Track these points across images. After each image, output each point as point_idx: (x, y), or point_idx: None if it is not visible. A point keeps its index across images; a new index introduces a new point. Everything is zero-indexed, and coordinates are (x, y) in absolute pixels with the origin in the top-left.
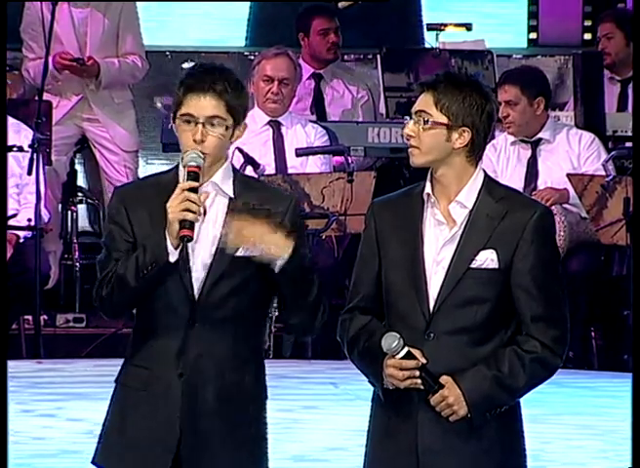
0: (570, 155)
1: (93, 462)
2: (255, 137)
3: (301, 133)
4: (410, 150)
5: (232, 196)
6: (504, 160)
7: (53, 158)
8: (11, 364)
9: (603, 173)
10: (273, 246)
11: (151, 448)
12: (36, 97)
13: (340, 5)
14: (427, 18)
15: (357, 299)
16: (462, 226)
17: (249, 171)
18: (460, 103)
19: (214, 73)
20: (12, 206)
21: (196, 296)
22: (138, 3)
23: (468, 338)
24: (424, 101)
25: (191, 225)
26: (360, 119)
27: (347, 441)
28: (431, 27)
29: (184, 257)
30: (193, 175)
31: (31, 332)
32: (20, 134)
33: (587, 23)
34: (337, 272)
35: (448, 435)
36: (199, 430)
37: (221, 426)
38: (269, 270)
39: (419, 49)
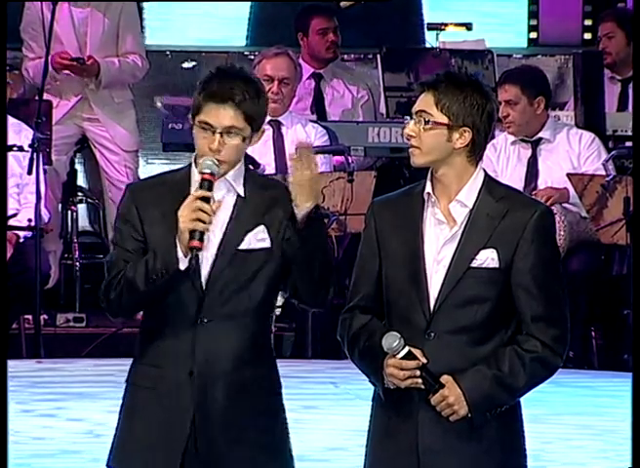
0: (570, 155)
1: (107, 465)
2: None
3: (302, 132)
4: (410, 150)
5: (242, 195)
6: (505, 160)
7: (53, 158)
8: (11, 363)
9: (603, 172)
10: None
11: (162, 448)
12: (36, 97)
13: (342, 5)
14: (428, 17)
15: (357, 299)
16: (463, 226)
17: None
18: (460, 103)
19: (234, 81)
20: (12, 205)
21: (203, 293)
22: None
23: (469, 338)
24: (425, 101)
25: (201, 236)
26: (360, 119)
27: (347, 441)
28: (432, 27)
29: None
30: (207, 184)
31: (31, 332)
32: (20, 133)
33: (587, 23)
34: (337, 272)
35: (448, 435)
36: (211, 427)
37: (234, 422)
38: (286, 241)
39: (419, 48)
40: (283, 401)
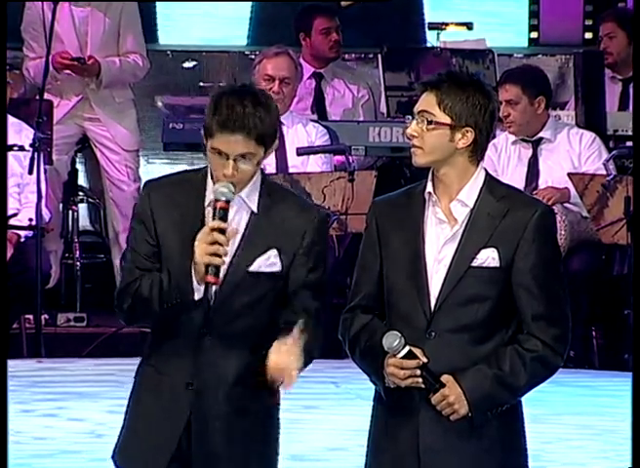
0: (571, 154)
1: (112, 457)
2: None
3: (302, 132)
4: (413, 150)
5: (256, 211)
6: (505, 159)
7: (54, 157)
8: (11, 363)
9: (604, 172)
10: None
11: (160, 450)
12: (37, 97)
13: (343, 4)
14: (428, 17)
15: (358, 298)
16: (464, 225)
17: None
18: (463, 103)
19: (243, 104)
20: (13, 205)
21: (210, 309)
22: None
23: (469, 337)
24: (427, 101)
25: (217, 271)
26: (361, 118)
27: (348, 441)
28: (432, 26)
29: None
30: (222, 213)
31: (32, 332)
32: (20, 133)
33: (588, 23)
34: (338, 271)
35: (449, 434)
36: (207, 444)
37: (229, 440)
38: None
39: (420, 48)
40: (279, 420)
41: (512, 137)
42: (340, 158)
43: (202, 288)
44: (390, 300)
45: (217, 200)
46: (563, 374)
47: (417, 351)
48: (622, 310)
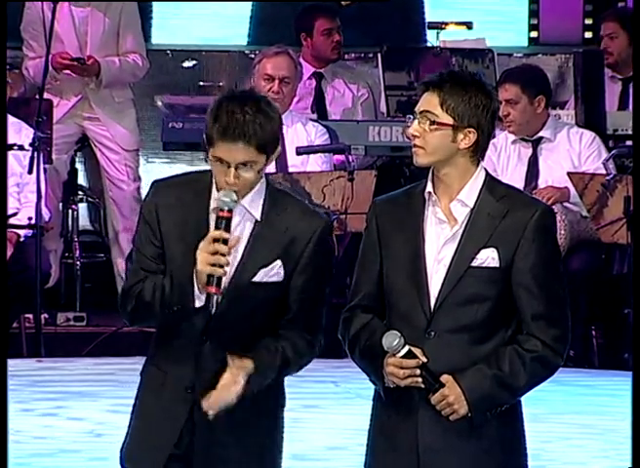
0: (570, 154)
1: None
2: None
3: (302, 131)
4: (414, 150)
5: (259, 219)
6: (505, 159)
7: (53, 157)
8: (11, 362)
9: (604, 171)
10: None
11: (154, 450)
12: (37, 96)
13: (343, 2)
14: (429, 16)
15: (358, 298)
16: (463, 225)
17: None
18: (465, 104)
19: (243, 111)
20: (12, 204)
21: (211, 315)
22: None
23: (469, 337)
24: (429, 101)
25: (219, 282)
26: (360, 118)
27: (348, 440)
28: (432, 26)
29: None
30: (225, 223)
31: (32, 331)
32: (20, 132)
33: (588, 22)
34: (337, 271)
35: (448, 434)
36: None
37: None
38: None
39: (419, 47)
40: (283, 420)
41: (512, 137)
42: (340, 157)
43: (203, 296)
44: (390, 300)
45: (219, 209)
46: (563, 374)
47: (416, 351)
48: (622, 309)
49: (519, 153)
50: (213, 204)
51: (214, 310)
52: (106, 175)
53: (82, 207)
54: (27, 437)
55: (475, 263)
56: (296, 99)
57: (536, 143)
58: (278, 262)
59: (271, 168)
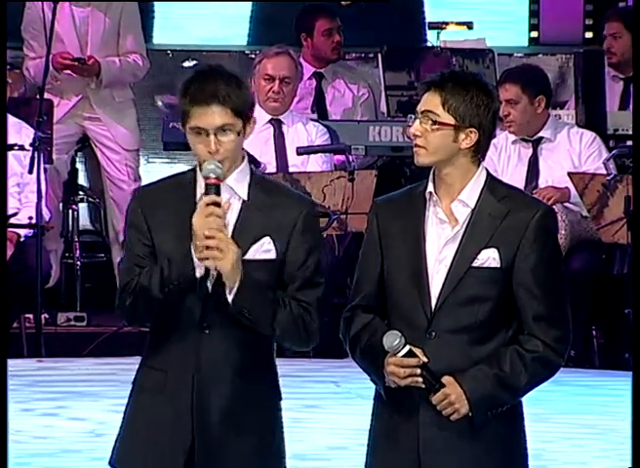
0: (571, 154)
1: (110, 463)
2: (256, 136)
3: (302, 131)
4: (415, 150)
5: (246, 199)
6: (505, 159)
7: (54, 157)
8: (12, 362)
9: (604, 171)
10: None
11: (165, 451)
12: (37, 96)
13: (343, 3)
14: (429, 16)
15: (359, 298)
16: (465, 225)
17: None
18: (467, 104)
19: (214, 79)
20: (13, 204)
21: (207, 300)
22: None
23: (470, 337)
24: (431, 101)
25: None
26: (360, 117)
27: (348, 440)
28: (433, 26)
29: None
30: (214, 189)
31: (32, 331)
32: (21, 132)
33: (588, 22)
34: (338, 271)
35: (449, 434)
36: (211, 437)
37: (234, 433)
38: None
39: (420, 47)
40: (281, 412)
41: (512, 137)
42: (341, 157)
43: (203, 266)
44: (391, 300)
45: (206, 178)
46: (563, 374)
47: (417, 351)
48: (623, 309)
49: (519, 153)
50: (199, 197)
51: (211, 288)
52: (107, 175)
53: (82, 207)
54: (28, 437)
55: (476, 264)
56: (296, 100)
57: (536, 143)
58: (267, 238)
59: (272, 168)
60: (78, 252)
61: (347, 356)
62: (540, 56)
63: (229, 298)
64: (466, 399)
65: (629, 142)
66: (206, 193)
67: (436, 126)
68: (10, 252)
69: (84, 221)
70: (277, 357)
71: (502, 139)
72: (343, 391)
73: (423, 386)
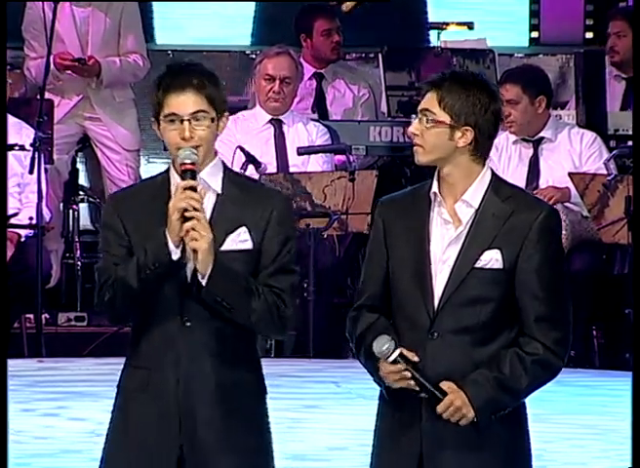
0: (571, 154)
1: None
2: (256, 136)
3: (303, 131)
4: (414, 148)
5: (220, 192)
6: (506, 159)
7: (54, 157)
8: (12, 363)
9: (605, 171)
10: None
11: (155, 450)
12: (38, 96)
13: (344, 7)
14: (430, 16)
15: (364, 298)
16: (468, 226)
17: (250, 169)
18: (463, 102)
19: (188, 69)
20: (13, 204)
21: (185, 294)
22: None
23: (472, 338)
24: (429, 100)
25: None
26: (361, 117)
27: (349, 440)
28: (433, 26)
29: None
30: (190, 174)
31: (33, 331)
32: (21, 133)
33: (589, 22)
34: (338, 271)
35: (452, 435)
36: (199, 433)
37: (221, 428)
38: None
39: (420, 48)
40: (267, 405)
41: (513, 137)
42: (341, 157)
43: (179, 250)
44: (395, 300)
45: (182, 164)
46: (564, 374)
47: (408, 354)
48: (623, 309)
49: (520, 153)
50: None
51: (190, 265)
52: (107, 176)
53: (83, 207)
54: (28, 437)
55: (479, 265)
56: (296, 100)
57: (537, 144)
58: (244, 228)
59: (272, 168)
60: (79, 252)
61: (348, 356)
62: (541, 56)
63: (203, 283)
64: (471, 403)
65: (630, 143)
66: (182, 179)
67: (432, 124)
68: (10, 252)
69: (84, 221)
70: (277, 357)
71: (503, 140)
72: (344, 391)
73: (417, 389)
